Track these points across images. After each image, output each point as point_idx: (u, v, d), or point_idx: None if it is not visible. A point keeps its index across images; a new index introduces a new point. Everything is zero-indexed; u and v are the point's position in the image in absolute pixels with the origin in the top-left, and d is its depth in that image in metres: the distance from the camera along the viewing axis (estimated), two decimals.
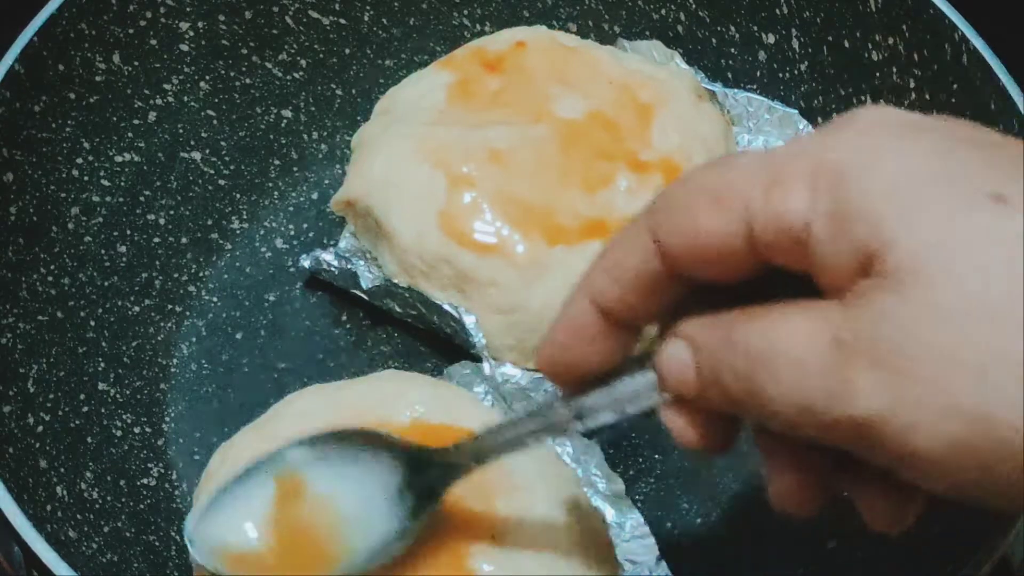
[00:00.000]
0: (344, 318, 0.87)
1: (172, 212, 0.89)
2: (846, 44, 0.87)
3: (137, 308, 0.85)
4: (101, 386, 0.82)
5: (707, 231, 0.51)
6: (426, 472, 0.64)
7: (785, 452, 0.54)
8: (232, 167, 0.91)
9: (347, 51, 0.94)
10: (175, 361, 0.85)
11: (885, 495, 0.53)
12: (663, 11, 0.92)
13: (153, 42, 0.88)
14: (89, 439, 0.79)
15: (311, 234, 0.90)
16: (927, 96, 0.83)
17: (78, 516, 0.74)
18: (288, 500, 0.65)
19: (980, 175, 0.47)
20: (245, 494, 0.65)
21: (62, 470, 0.76)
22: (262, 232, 0.90)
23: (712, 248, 0.51)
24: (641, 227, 0.53)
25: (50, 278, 0.82)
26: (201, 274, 0.88)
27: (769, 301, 0.50)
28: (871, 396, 0.46)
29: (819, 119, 0.89)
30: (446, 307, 0.80)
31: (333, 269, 0.85)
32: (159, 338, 0.85)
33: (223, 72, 0.91)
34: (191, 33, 0.89)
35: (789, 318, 0.49)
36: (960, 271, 0.45)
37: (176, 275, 0.87)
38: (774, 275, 0.51)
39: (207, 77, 0.90)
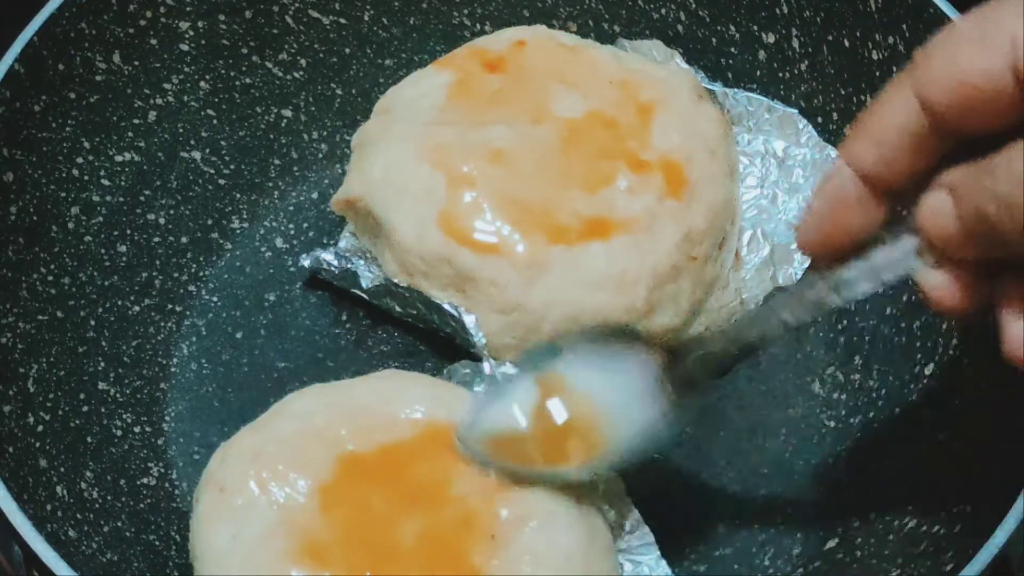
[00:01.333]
0: (344, 318, 0.87)
1: (172, 212, 0.89)
2: (846, 43, 0.87)
3: (137, 308, 0.85)
4: (101, 385, 0.82)
5: (973, 72, 0.50)
6: (682, 361, 0.66)
7: None
8: (232, 167, 0.91)
9: (347, 51, 0.94)
10: (175, 361, 0.85)
11: None
12: (663, 11, 0.92)
13: (153, 42, 0.88)
14: (89, 439, 0.79)
15: (311, 234, 0.90)
16: None
17: (78, 516, 0.74)
18: (549, 397, 0.69)
19: None
20: (511, 390, 0.70)
21: (62, 470, 0.76)
22: (262, 232, 0.90)
23: (978, 90, 0.50)
24: (902, 84, 0.53)
25: (50, 278, 0.82)
26: (201, 274, 0.88)
27: None
28: None
29: (819, 119, 0.89)
30: (446, 306, 0.80)
31: (333, 269, 0.85)
32: (159, 338, 0.85)
33: (223, 72, 0.91)
34: (191, 33, 0.89)
35: None
36: None
37: (176, 275, 0.87)
38: None
39: (207, 77, 0.90)
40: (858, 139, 0.56)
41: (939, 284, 0.56)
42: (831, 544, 0.77)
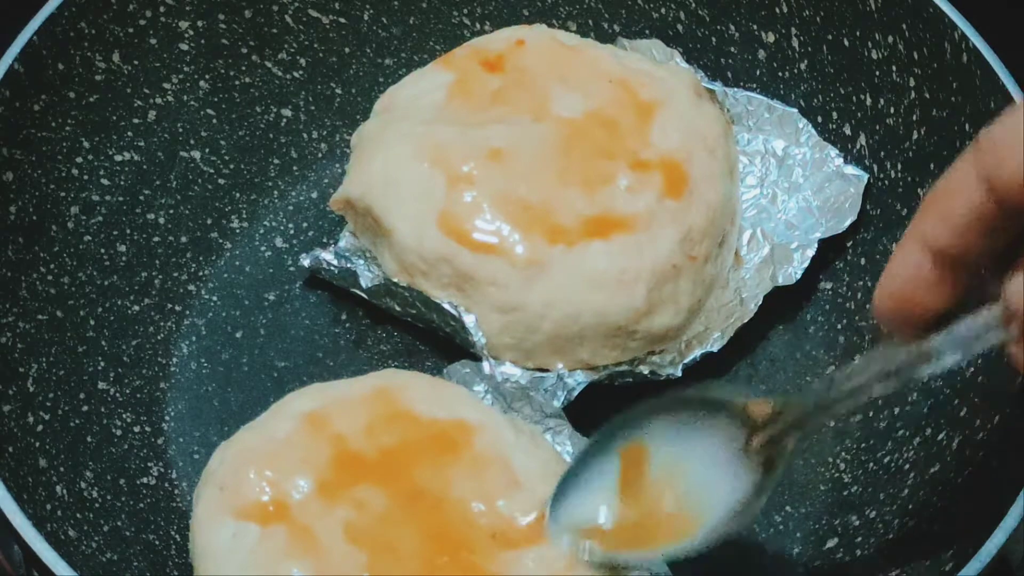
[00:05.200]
0: (344, 317, 0.87)
1: (172, 211, 0.89)
2: (846, 43, 0.87)
3: (137, 307, 0.85)
4: (101, 385, 0.82)
5: None
6: (768, 427, 0.64)
7: None
8: (232, 166, 0.91)
9: (347, 50, 0.94)
10: (175, 360, 0.85)
11: None
12: (663, 10, 0.92)
13: (153, 41, 0.88)
14: (89, 438, 0.79)
15: (311, 233, 0.90)
16: (927, 95, 0.83)
17: (78, 515, 0.74)
18: (633, 471, 0.67)
19: None
20: (594, 470, 0.67)
21: (62, 469, 0.76)
22: (262, 231, 0.90)
23: None
24: (968, 168, 0.53)
25: (50, 277, 0.82)
26: (201, 273, 0.88)
27: None
28: None
29: (819, 118, 0.89)
30: (446, 306, 0.80)
31: (333, 268, 0.85)
32: (159, 337, 0.85)
33: (223, 71, 0.91)
34: (191, 32, 0.89)
35: None
36: None
37: (176, 274, 0.87)
38: None
39: (207, 76, 0.90)
40: (928, 219, 0.55)
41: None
42: (831, 544, 0.77)
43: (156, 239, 0.88)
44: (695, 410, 0.66)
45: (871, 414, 0.81)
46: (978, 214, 0.53)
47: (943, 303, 0.57)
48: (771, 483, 0.64)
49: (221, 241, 0.89)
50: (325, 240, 0.89)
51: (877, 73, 0.86)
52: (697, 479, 0.66)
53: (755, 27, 0.90)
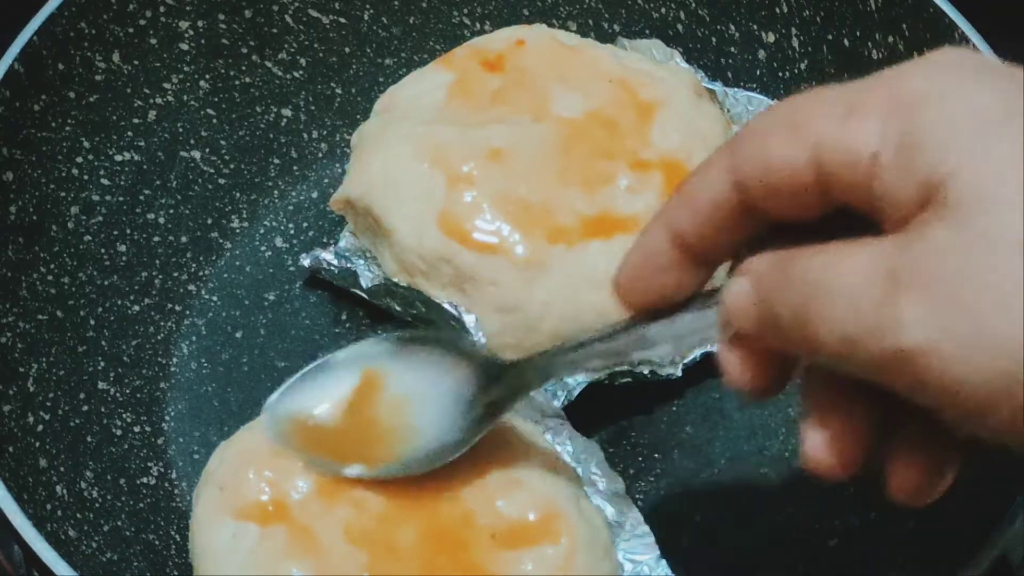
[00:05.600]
0: (344, 317, 0.87)
1: (172, 211, 0.89)
2: (846, 43, 0.87)
3: (137, 307, 0.85)
4: (101, 385, 0.82)
5: (778, 158, 0.51)
6: (496, 385, 0.67)
7: (828, 401, 0.53)
8: (232, 166, 0.91)
9: (347, 50, 0.94)
10: (175, 360, 0.85)
11: (919, 461, 0.53)
12: (663, 10, 0.92)
13: (153, 41, 0.88)
14: (89, 438, 0.79)
15: (311, 233, 0.90)
16: None
17: (78, 515, 0.74)
18: (367, 391, 0.69)
19: None
20: (329, 375, 0.70)
21: (62, 469, 0.76)
22: (262, 231, 0.90)
23: (782, 178, 0.51)
24: (720, 157, 0.54)
25: (50, 277, 0.82)
26: (201, 273, 0.88)
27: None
28: (919, 326, 0.46)
29: None
30: (446, 306, 0.80)
31: (333, 268, 0.85)
32: (159, 337, 0.85)
33: (223, 71, 0.91)
34: (191, 32, 0.89)
35: (846, 252, 0.49)
36: (1020, 202, 0.45)
37: (176, 274, 0.87)
38: (845, 223, 0.51)
39: (207, 76, 0.90)
40: (677, 203, 0.56)
41: (734, 363, 0.56)
42: (831, 544, 0.77)
43: (156, 239, 0.88)
44: (439, 351, 0.69)
45: None
46: (721, 205, 0.54)
47: (676, 291, 0.58)
48: (470, 439, 0.68)
49: (221, 241, 0.89)
50: (325, 240, 0.89)
51: None
52: (422, 415, 0.68)
53: (755, 27, 0.90)
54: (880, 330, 0.47)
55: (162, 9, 0.88)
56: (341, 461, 0.69)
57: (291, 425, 0.70)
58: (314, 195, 0.91)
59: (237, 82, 0.91)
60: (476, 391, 0.68)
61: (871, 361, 0.48)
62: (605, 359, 0.62)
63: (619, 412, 0.83)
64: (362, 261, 0.85)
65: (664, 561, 0.75)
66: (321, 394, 0.70)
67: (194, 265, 0.88)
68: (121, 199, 0.87)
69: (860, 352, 0.48)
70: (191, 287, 0.87)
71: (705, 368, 0.83)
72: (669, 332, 0.59)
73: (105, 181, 0.86)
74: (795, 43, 0.89)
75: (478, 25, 0.94)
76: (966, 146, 0.47)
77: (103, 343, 0.83)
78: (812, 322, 0.49)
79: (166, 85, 0.89)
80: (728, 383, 0.56)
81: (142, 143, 0.88)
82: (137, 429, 0.81)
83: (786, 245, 0.52)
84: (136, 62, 0.87)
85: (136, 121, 0.88)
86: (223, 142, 0.91)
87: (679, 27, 0.92)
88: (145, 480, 0.80)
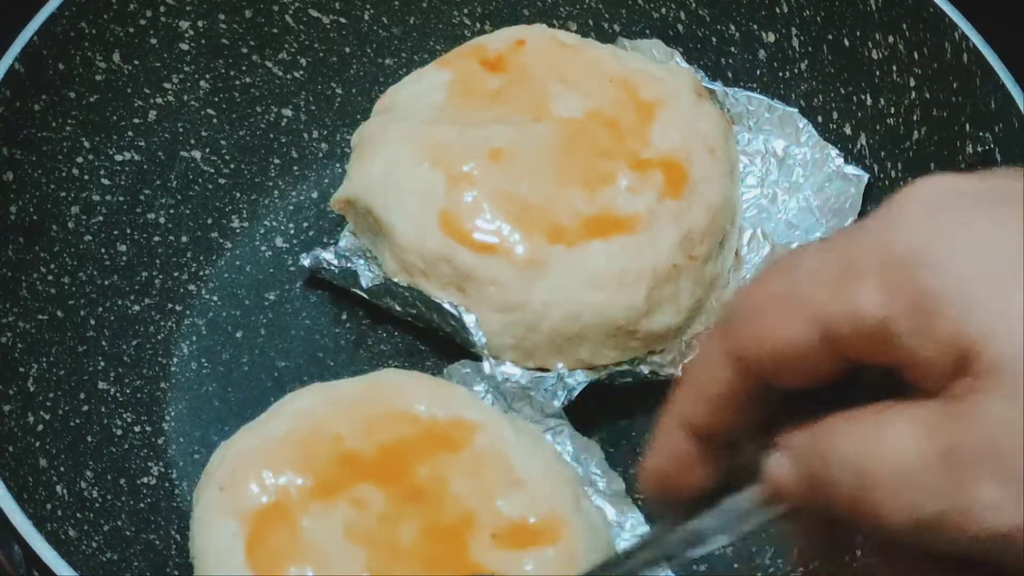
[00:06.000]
0: (344, 317, 0.87)
1: (172, 211, 0.89)
2: (846, 43, 0.87)
3: (137, 307, 0.85)
4: (101, 385, 0.82)
5: (782, 340, 0.48)
6: None
7: (906, 559, 0.51)
8: (232, 166, 0.91)
9: (347, 50, 0.94)
10: (175, 360, 0.85)
11: None
12: (663, 10, 0.92)
13: (153, 41, 0.88)
14: (89, 438, 0.79)
15: (311, 233, 0.90)
16: (927, 95, 0.83)
17: (78, 515, 0.74)
18: None
19: None
20: None
21: (62, 469, 0.76)
22: (262, 231, 0.90)
23: (791, 356, 0.48)
24: (717, 343, 0.51)
25: (50, 277, 0.82)
26: (201, 273, 0.88)
27: (867, 392, 0.47)
28: (1005, 510, 0.43)
29: (819, 118, 0.89)
30: (446, 306, 0.80)
31: (333, 268, 0.85)
32: (159, 337, 0.85)
33: (223, 71, 0.91)
34: (191, 32, 0.89)
35: (890, 425, 0.46)
36: None
37: (176, 274, 0.87)
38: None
39: (207, 76, 0.90)
40: (683, 397, 0.53)
41: (801, 534, 0.54)
42: None
43: (156, 239, 0.88)
44: None
45: None
46: (731, 391, 0.51)
47: (706, 480, 0.54)
48: None
49: (221, 241, 0.89)
50: (325, 240, 0.89)
51: (877, 73, 0.86)
52: None
53: (755, 27, 0.90)
54: (961, 515, 0.44)
55: (162, 9, 0.88)
56: None
57: None
58: (314, 195, 0.91)
59: (237, 82, 0.91)
60: None
61: (953, 542, 0.45)
62: (657, 564, 0.57)
63: (619, 412, 0.83)
64: (362, 261, 0.85)
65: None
66: None
67: (194, 265, 0.88)
68: (121, 199, 0.87)
69: (938, 534, 0.45)
70: (191, 287, 0.87)
71: None
72: (721, 520, 0.54)
73: (105, 181, 0.86)
74: (795, 43, 0.89)
75: (478, 25, 0.94)
76: (986, 304, 0.43)
77: (103, 343, 0.83)
78: (873, 506, 0.46)
79: (166, 85, 0.89)
80: (802, 558, 0.54)
81: (142, 143, 0.88)
82: (137, 429, 0.81)
83: (811, 403, 0.49)
84: (136, 62, 0.87)
85: (136, 121, 0.88)
86: (223, 142, 0.91)
87: (679, 27, 0.92)
88: (145, 480, 0.80)
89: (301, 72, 0.93)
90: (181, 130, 0.90)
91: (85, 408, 0.80)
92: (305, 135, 0.93)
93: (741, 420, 0.52)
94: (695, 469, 0.54)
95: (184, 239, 0.88)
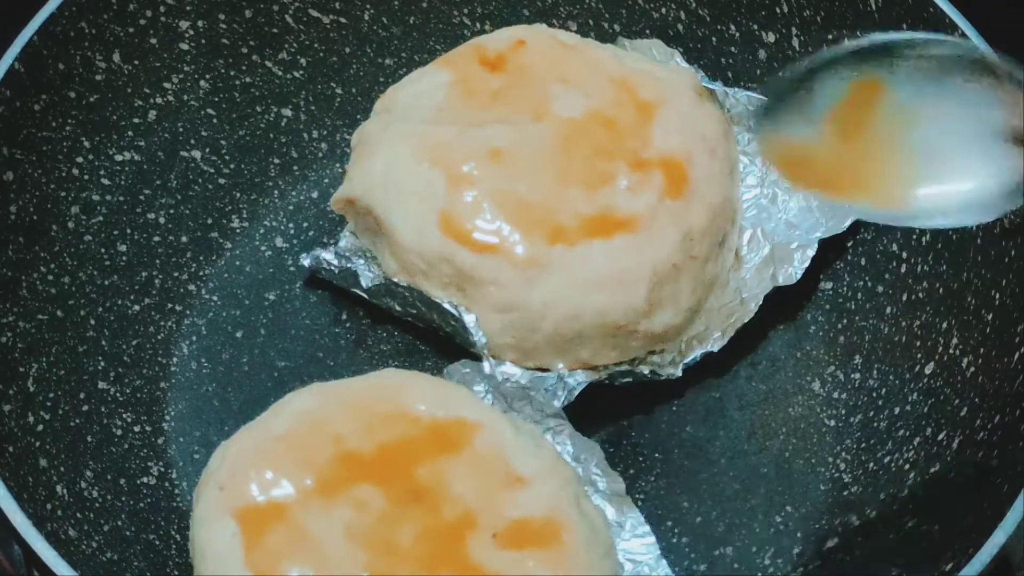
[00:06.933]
0: (344, 317, 0.87)
1: (172, 211, 0.89)
2: (846, 43, 0.87)
3: (137, 307, 0.85)
4: (101, 385, 0.82)
5: None
6: None
7: None
8: (232, 166, 0.91)
9: (347, 50, 0.94)
10: (175, 360, 0.85)
11: None
12: (663, 10, 0.92)
13: (153, 41, 0.88)
14: (89, 438, 0.79)
15: (311, 233, 0.90)
16: None
17: (78, 515, 0.74)
18: (856, 107, 0.57)
19: None
20: (814, 89, 0.58)
21: (62, 469, 0.76)
22: (262, 231, 0.90)
23: None
24: None
25: (50, 277, 0.82)
26: (201, 273, 0.88)
27: None
28: None
29: None
30: (446, 306, 0.80)
31: (333, 268, 0.85)
32: (159, 337, 0.85)
33: (223, 71, 0.91)
34: (191, 32, 0.89)
35: None
36: None
37: (176, 274, 0.87)
38: None
39: (207, 76, 0.90)
40: None
41: None
42: (831, 544, 0.77)
43: (156, 239, 0.88)
44: (954, 69, 0.56)
45: (871, 414, 0.82)
46: None
47: None
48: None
49: (221, 241, 0.89)
50: (325, 240, 0.89)
51: None
52: (931, 143, 0.55)
53: (755, 27, 0.90)
54: None
55: (162, 9, 0.88)
56: (838, 193, 0.58)
57: (784, 155, 0.59)
58: (314, 195, 0.91)
59: (237, 82, 0.91)
60: (1007, 123, 0.53)
61: None
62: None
63: (619, 412, 0.83)
64: (362, 261, 0.85)
65: (664, 561, 0.75)
66: (804, 111, 0.58)
67: (194, 265, 0.88)
68: (121, 199, 0.87)
69: None
70: (191, 287, 0.87)
71: (705, 368, 0.83)
72: None
73: (105, 181, 0.86)
74: (795, 43, 0.89)
75: (478, 25, 0.94)
76: None
77: (103, 343, 0.83)
78: None
79: (166, 85, 0.89)
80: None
81: (142, 143, 0.88)
82: (137, 429, 0.81)
83: None
84: (136, 62, 0.87)
85: (136, 121, 0.88)
86: (223, 142, 0.91)
87: (679, 27, 0.92)
88: (145, 480, 0.80)
89: (301, 72, 0.93)
90: (181, 130, 0.90)
91: (85, 408, 0.80)
92: (305, 135, 0.93)
93: None
94: None
95: (184, 239, 0.88)
